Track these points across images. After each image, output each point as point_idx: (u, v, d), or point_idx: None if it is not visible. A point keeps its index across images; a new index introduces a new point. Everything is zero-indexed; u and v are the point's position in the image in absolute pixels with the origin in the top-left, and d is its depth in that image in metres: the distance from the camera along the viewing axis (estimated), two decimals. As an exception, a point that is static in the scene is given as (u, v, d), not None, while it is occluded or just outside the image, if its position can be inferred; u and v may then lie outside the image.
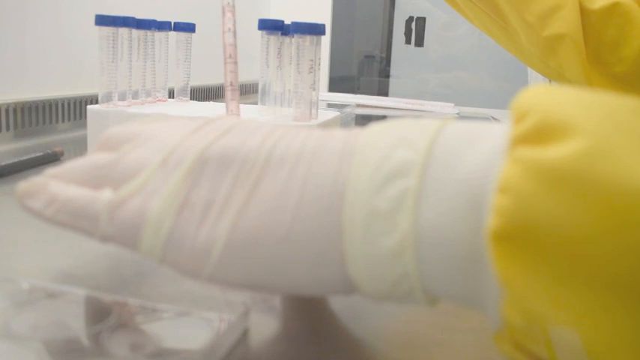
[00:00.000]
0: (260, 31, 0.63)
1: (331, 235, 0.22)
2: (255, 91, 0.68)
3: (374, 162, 0.22)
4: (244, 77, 1.36)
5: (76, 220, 0.26)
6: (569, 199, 0.18)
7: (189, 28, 0.73)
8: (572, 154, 0.18)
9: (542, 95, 0.21)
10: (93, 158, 0.28)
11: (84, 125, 0.67)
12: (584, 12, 0.56)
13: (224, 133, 0.26)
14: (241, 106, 0.74)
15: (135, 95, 0.68)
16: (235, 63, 0.57)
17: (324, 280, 0.23)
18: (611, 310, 0.18)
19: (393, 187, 0.22)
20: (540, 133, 0.19)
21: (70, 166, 0.28)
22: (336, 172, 0.23)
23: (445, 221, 0.21)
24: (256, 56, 0.66)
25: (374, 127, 0.24)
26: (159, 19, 0.69)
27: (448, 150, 0.22)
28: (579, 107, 0.20)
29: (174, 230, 0.24)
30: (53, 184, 0.27)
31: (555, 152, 0.18)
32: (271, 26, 0.62)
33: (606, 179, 0.17)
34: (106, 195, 0.25)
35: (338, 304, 0.33)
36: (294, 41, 0.59)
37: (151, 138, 0.27)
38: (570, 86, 0.22)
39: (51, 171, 0.28)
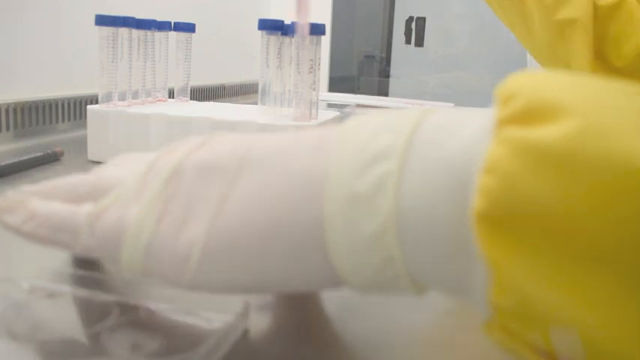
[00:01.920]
0: (260, 31, 0.63)
1: (312, 225, 0.22)
2: (255, 91, 0.68)
3: (355, 148, 0.22)
4: (244, 77, 1.36)
5: (56, 234, 0.26)
6: (559, 177, 0.18)
7: (189, 28, 0.73)
8: (564, 135, 0.18)
9: (528, 79, 0.20)
10: (71, 178, 0.28)
11: (84, 125, 0.67)
12: (594, 6, 0.58)
13: (198, 146, 0.26)
14: (241, 106, 0.75)
15: (135, 95, 0.68)
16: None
17: (309, 274, 0.23)
18: (603, 285, 0.17)
19: (374, 170, 0.21)
20: (528, 114, 0.19)
21: (48, 184, 0.28)
22: (314, 163, 0.22)
23: (428, 202, 0.20)
24: (256, 56, 0.66)
25: (352, 121, 0.24)
26: (159, 19, 0.69)
27: (432, 134, 0.21)
28: (568, 89, 0.19)
29: (153, 240, 0.24)
30: (32, 201, 0.27)
31: (545, 132, 0.18)
32: (271, 26, 0.62)
33: (597, 157, 0.17)
34: (86, 208, 0.26)
35: (338, 304, 0.33)
36: (294, 41, 0.59)
37: (127, 161, 0.28)
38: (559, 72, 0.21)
39: (28, 188, 0.28)
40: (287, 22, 0.62)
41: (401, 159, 0.21)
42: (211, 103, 0.77)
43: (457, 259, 0.20)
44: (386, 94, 1.56)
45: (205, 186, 0.24)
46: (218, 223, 0.23)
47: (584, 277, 0.18)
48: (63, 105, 0.81)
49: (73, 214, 0.26)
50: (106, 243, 0.25)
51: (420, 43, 2.01)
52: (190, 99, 0.76)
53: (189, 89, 0.75)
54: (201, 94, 1.23)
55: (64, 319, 0.28)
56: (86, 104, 0.76)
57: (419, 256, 0.21)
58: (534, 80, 0.20)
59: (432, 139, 0.21)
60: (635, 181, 0.17)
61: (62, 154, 0.64)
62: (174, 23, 0.72)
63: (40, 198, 0.27)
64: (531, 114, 0.19)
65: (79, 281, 0.32)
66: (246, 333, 0.28)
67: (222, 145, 0.25)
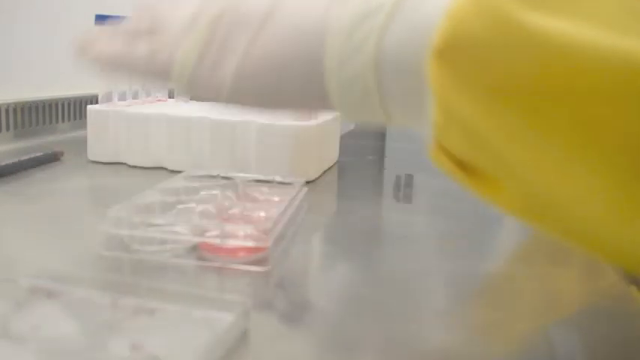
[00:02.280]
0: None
1: (316, 64, 0.27)
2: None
3: (352, 7, 0.27)
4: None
5: (118, 68, 0.32)
6: (500, 26, 0.21)
7: (189, 28, 0.73)
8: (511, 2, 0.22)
9: None
10: (130, 21, 0.33)
11: (84, 125, 0.67)
12: None
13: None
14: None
15: (135, 95, 0.68)
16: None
17: (310, 97, 0.29)
18: (533, 115, 0.21)
19: (365, 26, 0.26)
20: None
21: (111, 27, 0.34)
22: (320, 20, 0.28)
23: (407, 45, 0.25)
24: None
25: None
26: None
27: None
28: None
29: (193, 75, 0.30)
30: (101, 39, 0.33)
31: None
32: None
33: (535, 22, 0.21)
34: (142, 47, 0.31)
35: (338, 305, 0.33)
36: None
37: (175, 7, 0.33)
38: None
39: (96, 30, 0.35)
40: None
41: (387, 16, 0.25)
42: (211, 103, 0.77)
43: (420, 93, 0.25)
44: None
45: (237, 34, 0.29)
46: (245, 63, 0.29)
47: (514, 109, 0.21)
48: (63, 105, 0.81)
49: (132, 53, 0.32)
50: (159, 76, 0.31)
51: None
52: (190, 99, 0.76)
53: (189, 89, 0.75)
54: (201, 94, 1.23)
55: (63, 319, 0.28)
56: (86, 104, 0.75)
57: (391, 89, 0.26)
58: None
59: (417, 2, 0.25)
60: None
61: (62, 154, 0.64)
62: (174, 23, 0.72)
63: (105, 36, 0.33)
64: None
65: (80, 281, 0.32)
66: (246, 333, 0.28)
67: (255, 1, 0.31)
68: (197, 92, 0.31)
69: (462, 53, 0.22)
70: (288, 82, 0.29)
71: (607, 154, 0.20)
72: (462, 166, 0.25)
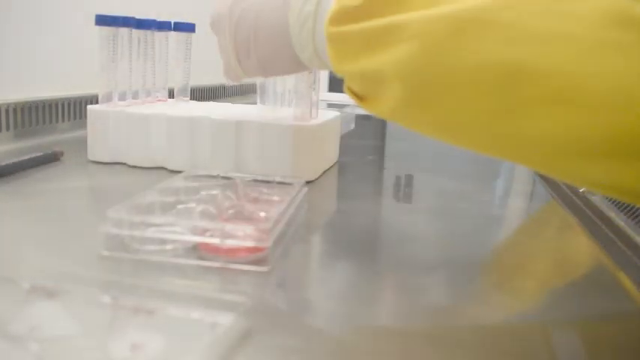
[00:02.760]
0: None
1: (286, 30, 0.42)
2: (256, 91, 0.68)
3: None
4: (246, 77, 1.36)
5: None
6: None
7: (189, 28, 0.73)
8: None
9: None
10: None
11: (84, 125, 0.67)
12: None
13: None
14: (241, 105, 0.74)
15: (135, 95, 0.68)
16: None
17: (291, 62, 0.43)
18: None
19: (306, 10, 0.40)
20: None
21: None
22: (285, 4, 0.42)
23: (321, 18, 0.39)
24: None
25: None
26: (159, 19, 0.69)
27: None
28: None
29: (229, 65, 0.48)
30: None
31: None
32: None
33: None
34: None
35: (338, 305, 0.33)
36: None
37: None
38: None
39: None
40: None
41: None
42: (211, 102, 0.77)
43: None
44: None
45: (245, 38, 0.45)
46: (257, 53, 0.45)
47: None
48: (63, 105, 0.81)
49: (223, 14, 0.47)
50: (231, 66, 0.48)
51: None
52: (190, 99, 0.76)
53: (189, 89, 0.75)
54: (201, 94, 1.23)
55: (63, 319, 0.28)
56: (86, 104, 0.75)
57: (321, 43, 0.39)
58: None
59: None
60: None
61: (62, 154, 0.64)
62: (174, 23, 0.72)
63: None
64: None
65: (80, 281, 0.32)
66: (246, 333, 0.28)
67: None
68: (249, 75, 0.48)
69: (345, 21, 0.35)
70: (278, 57, 0.44)
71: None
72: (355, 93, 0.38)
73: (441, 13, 0.31)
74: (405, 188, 0.64)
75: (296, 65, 0.43)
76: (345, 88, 0.39)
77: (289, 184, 0.51)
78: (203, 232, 0.38)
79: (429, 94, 0.32)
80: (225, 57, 0.47)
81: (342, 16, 0.35)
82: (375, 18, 0.34)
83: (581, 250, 0.45)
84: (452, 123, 0.32)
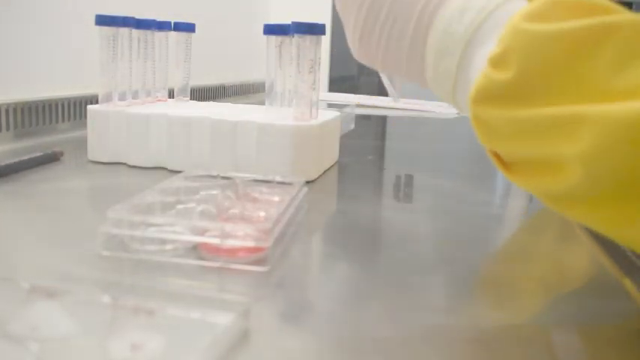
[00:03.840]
0: (266, 36, 0.63)
1: (422, 48, 0.37)
2: (255, 91, 0.68)
3: (450, 17, 0.35)
4: (244, 77, 1.36)
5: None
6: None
7: (189, 28, 0.73)
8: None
9: None
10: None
11: (84, 125, 0.67)
12: None
13: None
14: (241, 105, 0.74)
15: (135, 95, 0.68)
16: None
17: (416, 73, 0.38)
18: None
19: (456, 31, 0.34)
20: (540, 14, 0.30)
21: None
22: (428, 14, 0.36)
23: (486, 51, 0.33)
24: (255, 55, 0.66)
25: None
26: (159, 19, 0.69)
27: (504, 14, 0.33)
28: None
29: (361, 49, 0.41)
30: None
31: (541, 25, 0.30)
32: (277, 30, 0.62)
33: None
34: None
35: (338, 305, 0.33)
36: (294, 41, 0.59)
37: None
38: None
39: None
40: (287, 21, 0.62)
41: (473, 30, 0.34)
42: (211, 103, 0.77)
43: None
44: (386, 94, 1.56)
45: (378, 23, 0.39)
46: (386, 50, 0.39)
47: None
48: (63, 105, 0.81)
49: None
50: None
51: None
52: (190, 99, 0.76)
53: (189, 89, 0.75)
54: (201, 94, 1.23)
55: (63, 319, 0.28)
56: (86, 104, 0.75)
57: (461, 96, 0.36)
58: None
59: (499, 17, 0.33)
60: None
61: (62, 154, 0.64)
62: (174, 23, 0.72)
63: None
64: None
65: (80, 281, 0.32)
66: (246, 333, 0.28)
67: None
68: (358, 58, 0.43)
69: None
70: (407, 59, 0.38)
71: None
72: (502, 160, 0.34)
73: (623, 109, 0.27)
74: (405, 188, 0.64)
75: (418, 77, 0.39)
76: (488, 152, 0.35)
77: (289, 184, 0.51)
78: (203, 232, 0.38)
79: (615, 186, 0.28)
80: (345, 21, 0.43)
81: (489, 94, 0.32)
82: (526, 100, 0.30)
83: (582, 250, 0.45)
84: (631, 221, 0.29)
